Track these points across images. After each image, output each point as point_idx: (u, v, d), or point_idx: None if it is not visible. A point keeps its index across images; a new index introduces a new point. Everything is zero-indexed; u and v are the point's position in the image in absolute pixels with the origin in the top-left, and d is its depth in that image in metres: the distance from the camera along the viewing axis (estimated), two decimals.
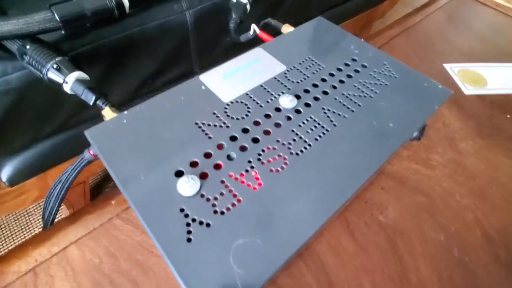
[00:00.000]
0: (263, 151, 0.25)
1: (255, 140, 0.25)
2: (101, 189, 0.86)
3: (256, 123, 0.27)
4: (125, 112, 0.26)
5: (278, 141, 0.25)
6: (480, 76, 0.54)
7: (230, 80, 0.30)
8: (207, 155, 0.24)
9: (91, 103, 0.35)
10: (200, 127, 0.26)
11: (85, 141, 0.26)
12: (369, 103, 0.29)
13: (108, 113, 0.29)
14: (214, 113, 0.27)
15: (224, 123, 0.26)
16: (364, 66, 0.32)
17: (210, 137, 0.25)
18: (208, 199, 0.22)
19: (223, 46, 0.67)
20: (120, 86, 0.58)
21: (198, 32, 0.60)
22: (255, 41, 0.48)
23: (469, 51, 0.61)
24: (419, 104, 0.29)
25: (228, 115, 0.27)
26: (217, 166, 0.24)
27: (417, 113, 0.28)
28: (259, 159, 0.24)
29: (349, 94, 0.29)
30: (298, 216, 0.21)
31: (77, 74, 0.36)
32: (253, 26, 0.44)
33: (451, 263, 0.33)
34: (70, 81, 0.36)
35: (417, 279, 0.33)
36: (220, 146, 0.25)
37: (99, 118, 0.61)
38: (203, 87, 0.29)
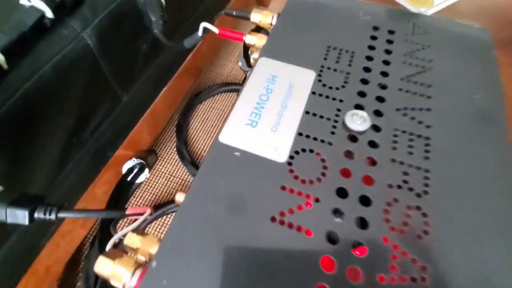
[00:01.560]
0: (386, 212, 0.17)
1: (365, 201, 0.17)
2: (71, 283, 0.67)
3: (345, 173, 0.18)
4: (153, 263, 0.15)
5: (390, 186, 0.18)
6: None
7: (263, 126, 0.19)
8: (326, 265, 0.15)
9: (27, 223, 0.23)
10: (282, 222, 0.16)
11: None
12: (436, 79, 0.22)
13: (104, 266, 0.16)
14: (284, 187, 0.17)
15: (307, 195, 0.17)
16: (391, 32, 0.25)
17: (308, 232, 0.16)
18: None
19: (142, 56, 0.52)
20: (39, 166, 0.41)
21: (107, 52, 0.44)
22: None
23: None
24: (477, 57, 0.24)
25: (303, 181, 0.18)
26: (353, 275, 0.15)
27: (486, 69, 0.23)
28: (392, 228, 0.16)
29: (408, 76, 0.22)
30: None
31: None
32: (204, 25, 0.32)
33: None
34: None
35: None
36: (330, 239, 0.16)
37: (22, 226, 0.43)
38: (238, 154, 0.18)
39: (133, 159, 0.49)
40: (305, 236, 0.16)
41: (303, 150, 0.19)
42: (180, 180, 0.67)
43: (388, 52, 0.24)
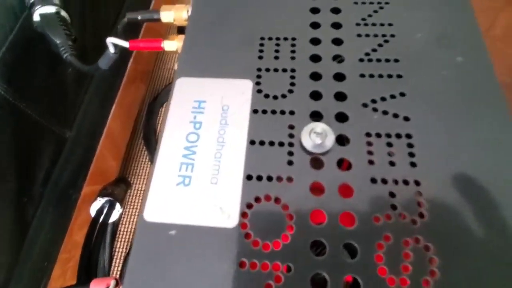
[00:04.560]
0: (378, 258, 0.13)
1: (350, 252, 0.13)
2: None
3: (317, 218, 0.14)
4: None
5: (376, 219, 0.13)
6: None
7: (198, 180, 0.15)
8: None
9: None
10: None
11: None
12: (404, 48, 0.17)
13: None
14: (243, 264, 0.13)
15: (275, 265, 0.13)
16: None
17: None
18: None
19: (72, 81, 0.45)
20: None
21: (25, 92, 0.37)
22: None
23: None
24: (448, 3, 0.19)
25: (265, 246, 0.13)
26: None
27: (463, 19, 0.18)
28: (390, 281, 0.12)
29: (367, 55, 0.17)
30: None
31: None
32: (111, 41, 0.26)
33: None
34: None
35: None
36: None
37: None
38: (173, 232, 0.14)
39: (98, 198, 0.44)
40: None
41: (257, 200, 0.14)
42: None
43: (336, 26, 0.19)
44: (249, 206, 0.14)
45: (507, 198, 0.13)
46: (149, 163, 0.66)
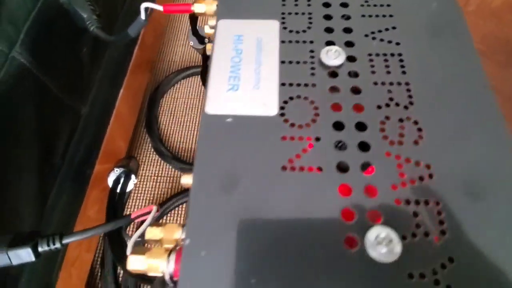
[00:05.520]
0: (382, 130, 0.17)
1: (361, 127, 0.18)
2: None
3: (336, 108, 0.18)
4: (187, 241, 0.15)
5: (379, 106, 0.18)
6: None
7: (244, 86, 0.19)
8: (344, 192, 0.16)
9: (33, 259, 0.22)
10: (293, 168, 0.16)
11: None
12: None
13: (138, 263, 0.16)
14: (284, 137, 0.17)
15: (308, 137, 0.17)
16: None
17: (319, 169, 0.16)
18: None
19: (87, 59, 0.49)
20: (21, 206, 0.38)
21: (47, 66, 0.40)
22: None
23: None
24: None
25: (299, 126, 0.18)
26: (370, 192, 0.16)
27: None
28: (391, 142, 0.17)
29: (366, 1, 0.23)
30: None
31: None
32: (145, 5, 0.30)
33: None
34: None
35: None
36: (340, 169, 0.17)
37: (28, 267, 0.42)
38: (230, 120, 0.18)
39: (115, 169, 0.47)
40: (317, 173, 0.16)
41: (291, 98, 0.19)
42: (168, 178, 0.65)
43: None
44: (285, 102, 0.19)
45: (471, 91, 0.19)
46: (153, 150, 0.69)
